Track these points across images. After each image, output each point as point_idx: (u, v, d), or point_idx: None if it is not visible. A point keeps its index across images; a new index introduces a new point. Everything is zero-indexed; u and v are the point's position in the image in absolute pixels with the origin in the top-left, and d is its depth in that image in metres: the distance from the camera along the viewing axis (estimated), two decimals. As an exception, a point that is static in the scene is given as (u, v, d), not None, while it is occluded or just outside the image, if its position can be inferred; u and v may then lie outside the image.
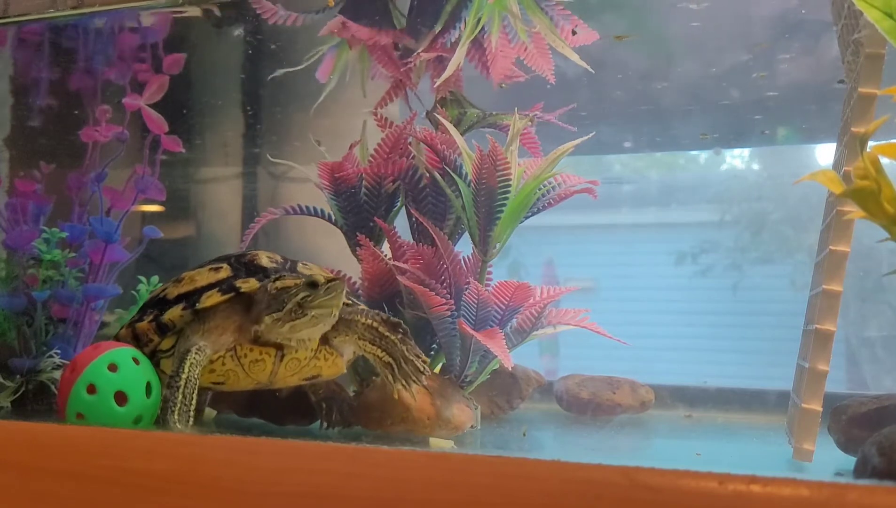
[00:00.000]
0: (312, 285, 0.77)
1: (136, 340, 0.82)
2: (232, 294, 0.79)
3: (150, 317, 0.81)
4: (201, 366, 0.77)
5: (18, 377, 0.96)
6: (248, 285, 0.80)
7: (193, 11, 1.19)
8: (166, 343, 0.81)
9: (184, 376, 0.76)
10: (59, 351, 0.97)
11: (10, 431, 0.67)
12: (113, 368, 0.74)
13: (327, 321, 0.79)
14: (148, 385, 0.76)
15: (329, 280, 0.77)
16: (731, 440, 1.00)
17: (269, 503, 0.57)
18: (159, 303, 0.83)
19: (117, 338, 0.85)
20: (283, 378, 0.82)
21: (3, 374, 0.97)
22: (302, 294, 0.77)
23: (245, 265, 0.83)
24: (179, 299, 0.81)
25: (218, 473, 0.59)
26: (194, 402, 0.76)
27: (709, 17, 1.08)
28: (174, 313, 0.80)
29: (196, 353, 0.77)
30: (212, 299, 0.79)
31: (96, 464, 0.62)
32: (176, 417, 0.75)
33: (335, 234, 1.01)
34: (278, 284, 0.78)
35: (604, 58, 1.12)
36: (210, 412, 0.96)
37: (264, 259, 0.83)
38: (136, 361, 0.76)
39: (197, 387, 0.76)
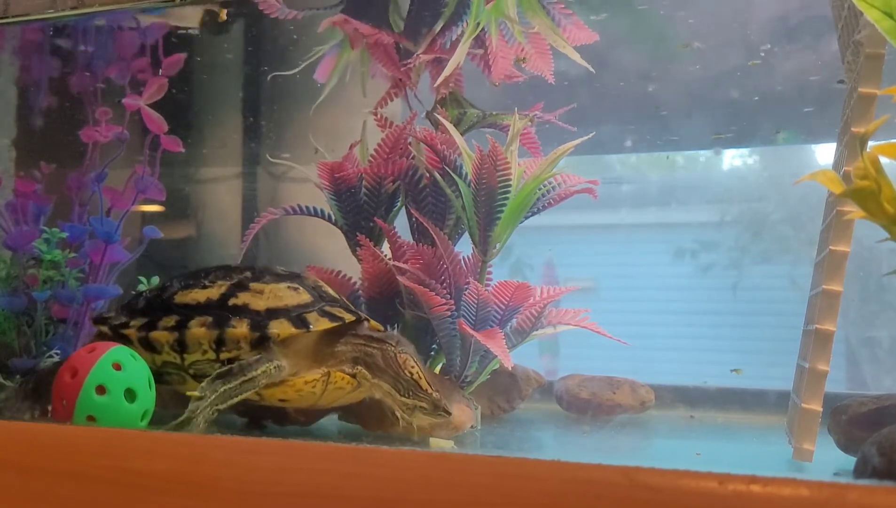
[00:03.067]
0: (436, 406, 0.79)
1: (221, 344, 0.79)
2: (339, 324, 0.79)
3: (245, 325, 0.78)
4: (268, 380, 0.76)
5: (18, 377, 0.96)
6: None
7: (193, 12, 1.19)
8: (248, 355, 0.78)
9: (250, 374, 0.75)
10: (59, 351, 0.97)
11: (10, 431, 0.67)
12: (118, 366, 0.74)
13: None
14: (148, 379, 0.76)
15: (446, 410, 0.79)
16: (731, 440, 1.00)
17: (269, 503, 0.57)
18: (234, 310, 0.80)
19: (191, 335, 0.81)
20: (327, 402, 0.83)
21: (3, 374, 0.97)
22: (425, 404, 0.79)
23: (316, 290, 0.83)
24: (272, 313, 0.79)
25: (218, 473, 0.59)
26: (230, 403, 0.74)
27: (710, 16, 1.08)
28: (284, 329, 0.78)
29: (276, 369, 0.76)
30: (321, 324, 0.79)
31: (96, 464, 0.62)
32: (207, 403, 0.72)
33: (335, 234, 1.01)
34: (415, 374, 0.79)
35: (605, 57, 1.11)
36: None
37: (330, 290, 0.85)
38: (133, 357, 0.76)
39: (243, 394, 0.75)
